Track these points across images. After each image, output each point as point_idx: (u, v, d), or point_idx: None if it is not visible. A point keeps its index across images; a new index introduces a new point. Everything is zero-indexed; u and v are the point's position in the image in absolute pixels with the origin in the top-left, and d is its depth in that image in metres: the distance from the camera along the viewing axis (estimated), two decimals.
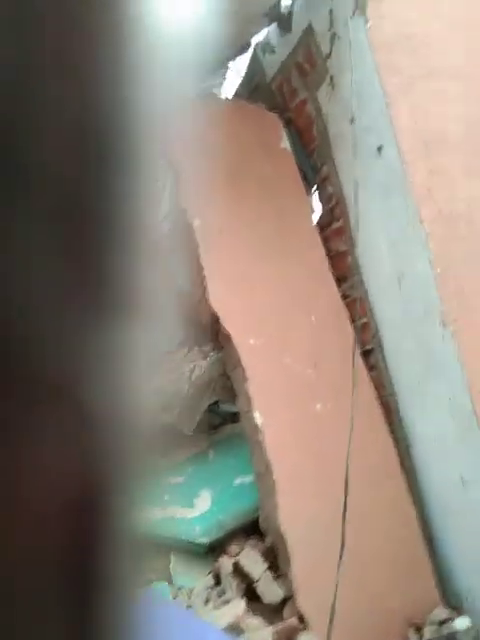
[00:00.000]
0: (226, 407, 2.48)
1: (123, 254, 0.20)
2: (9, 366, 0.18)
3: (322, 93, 2.33)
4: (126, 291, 0.21)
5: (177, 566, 1.80)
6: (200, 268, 2.04)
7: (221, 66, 2.75)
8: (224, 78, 2.85)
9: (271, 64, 2.65)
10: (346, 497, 1.45)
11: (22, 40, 0.18)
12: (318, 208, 2.48)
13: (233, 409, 2.43)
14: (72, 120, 0.20)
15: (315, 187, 2.50)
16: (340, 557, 1.40)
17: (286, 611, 1.58)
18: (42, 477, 0.19)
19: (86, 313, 0.19)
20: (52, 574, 0.19)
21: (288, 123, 2.53)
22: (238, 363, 1.92)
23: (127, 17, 0.21)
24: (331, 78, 2.26)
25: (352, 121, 2.12)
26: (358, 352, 1.72)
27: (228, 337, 1.95)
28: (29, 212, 0.19)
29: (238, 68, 2.82)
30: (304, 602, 1.58)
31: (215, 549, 1.88)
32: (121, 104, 0.20)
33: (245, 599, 1.55)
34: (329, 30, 2.18)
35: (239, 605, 1.44)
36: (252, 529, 1.91)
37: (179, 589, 1.70)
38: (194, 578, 1.77)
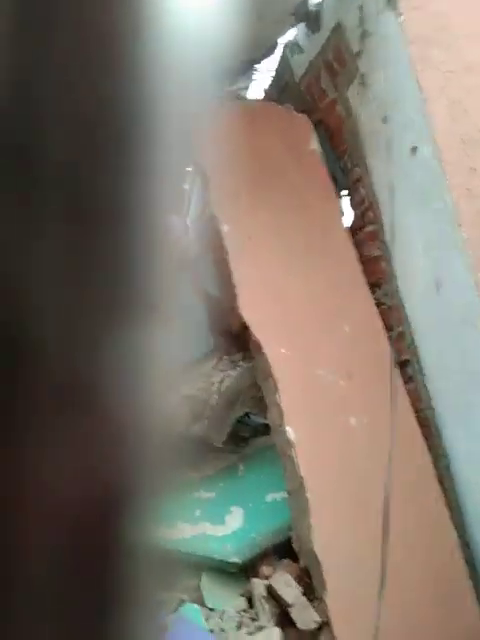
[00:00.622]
0: (256, 419, 2.41)
1: (143, 257, 0.21)
2: (30, 368, 0.19)
3: (352, 92, 2.25)
4: (147, 294, 0.21)
5: (207, 586, 1.73)
6: (230, 275, 1.98)
7: (249, 67, 2.70)
8: (252, 80, 2.79)
9: (299, 64, 2.58)
10: (387, 520, 1.36)
11: (42, 42, 0.19)
12: (349, 212, 2.40)
13: (263, 421, 2.36)
14: (90, 120, 0.20)
15: (346, 190, 2.42)
16: (381, 585, 1.31)
17: (322, 638, 1.50)
18: (63, 478, 0.19)
19: (107, 316, 0.20)
20: (70, 574, 0.19)
21: (318, 124, 2.45)
22: (269, 373, 1.85)
23: (146, 18, 0.21)
24: (362, 76, 2.17)
25: (385, 120, 2.04)
26: (395, 363, 1.62)
27: (258, 346, 1.89)
28: (51, 216, 0.19)
29: (266, 69, 2.76)
30: (341, 630, 1.49)
31: (246, 568, 1.81)
32: (140, 105, 0.21)
33: (280, 626, 1.47)
34: (359, 27, 2.10)
35: (274, 633, 1.37)
36: (283, 548, 1.84)
37: (211, 611, 1.64)
38: (225, 599, 1.70)
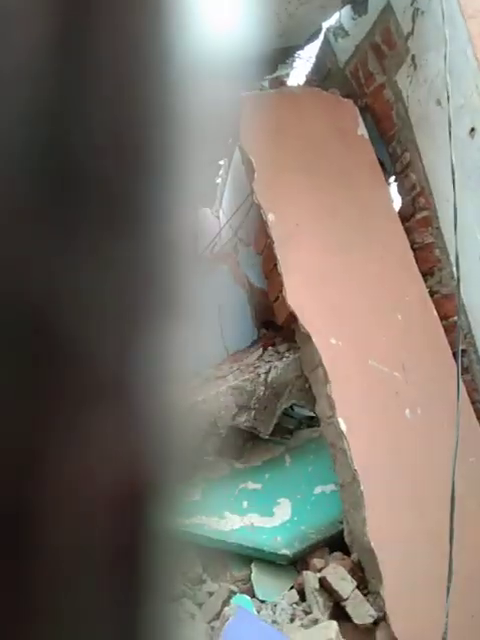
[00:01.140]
0: (300, 411, 2.38)
1: (171, 260, 0.22)
2: (61, 367, 0.19)
3: (402, 75, 2.18)
4: (174, 294, 0.22)
5: (258, 578, 1.71)
6: (276, 264, 1.94)
7: (291, 54, 2.65)
8: (294, 66, 2.74)
9: (344, 49, 2.51)
10: (453, 515, 1.31)
11: (71, 61, 0.18)
12: (397, 198, 2.33)
13: (307, 413, 2.32)
14: (122, 133, 0.20)
15: (393, 176, 2.35)
16: (449, 581, 1.26)
17: (379, 634, 1.46)
18: (92, 474, 0.19)
19: (135, 316, 0.20)
20: (99, 564, 0.20)
21: (364, 109, 2.39)
22: (319, 364, 1.81)
23: (178, 16, 0.20)
24: (413, 58, 2.11)
25: (438, 102, 1.97)
26: (459, 353, 1.56)
27: (307, 337, 1.84)
28: (83, 221, 0.19)
29: (308, 55, 2.71)
30: (399, 625, 1.45)
31: (296, 561, 1.78)
32: (171, 107, 0.21)
33: (334, 619, 1.44)
34: (411, 5, 2.03)
35: (332, 627, 1.34)
36: (332, 542, 1.80)
37: (262, 603, 1.62)
38: (276, 591, 1.67)
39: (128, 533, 0.21)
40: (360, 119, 2.30)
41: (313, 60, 2.78)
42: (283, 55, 2.70)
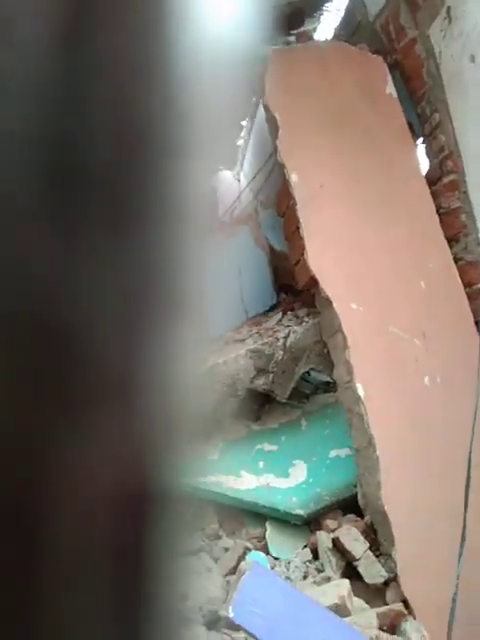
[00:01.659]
0: (317, 376, 2.38)
1: (176, 258, 0.21)
2: (66, 367, 0.19)
3: (436, 29, 2.08)
4: (178, 292, 0.21)
5: (272, 536, 1.75)
6: (298, 226, 1.91)
7: (319, 6, 2.54)
8: (322, 20, 2.63)
9: (375, 1, 2.40)
10: (468, 482, 1.31)
11: (77, 52, 0.18)
12: (425, 161, 2.26)
13: (324, 378, 2.33)
14: (127, 125, 0.19)
15: (422, 138, 2.27)
16: (461, 545, 1.28)
17: (389, 594, 1.50)
18: (97, 474, 0.19)
19: (139, 314, 0.20)
20: (103, 564, 0.20)
21: (393, 66, 2.30)
22: (339, 329, 1.80)
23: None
24: (448, 10, 2.00)
25: (473, 59, 1.88)
26: None
27: (327, 301, 1.83)
28: (87, 220, 0.19)
29: (337, 8, 2.59)
30: (410, 587, 1.48)
31: (309, 522, 1.82)
32: (173, 100, 0.20)
33: (345, 578, 1.48)
34: None
35: (344, 585, 1.37)
36: (345, 505, 1.83)
37: (276, 560, 1.66)
38: (289, 550, 1.72)
39: (132, 533, 0.21)
40: (389, 77, 2.21)
41: (342, 13, 2.66)
42: (311, 7, 2.59)
